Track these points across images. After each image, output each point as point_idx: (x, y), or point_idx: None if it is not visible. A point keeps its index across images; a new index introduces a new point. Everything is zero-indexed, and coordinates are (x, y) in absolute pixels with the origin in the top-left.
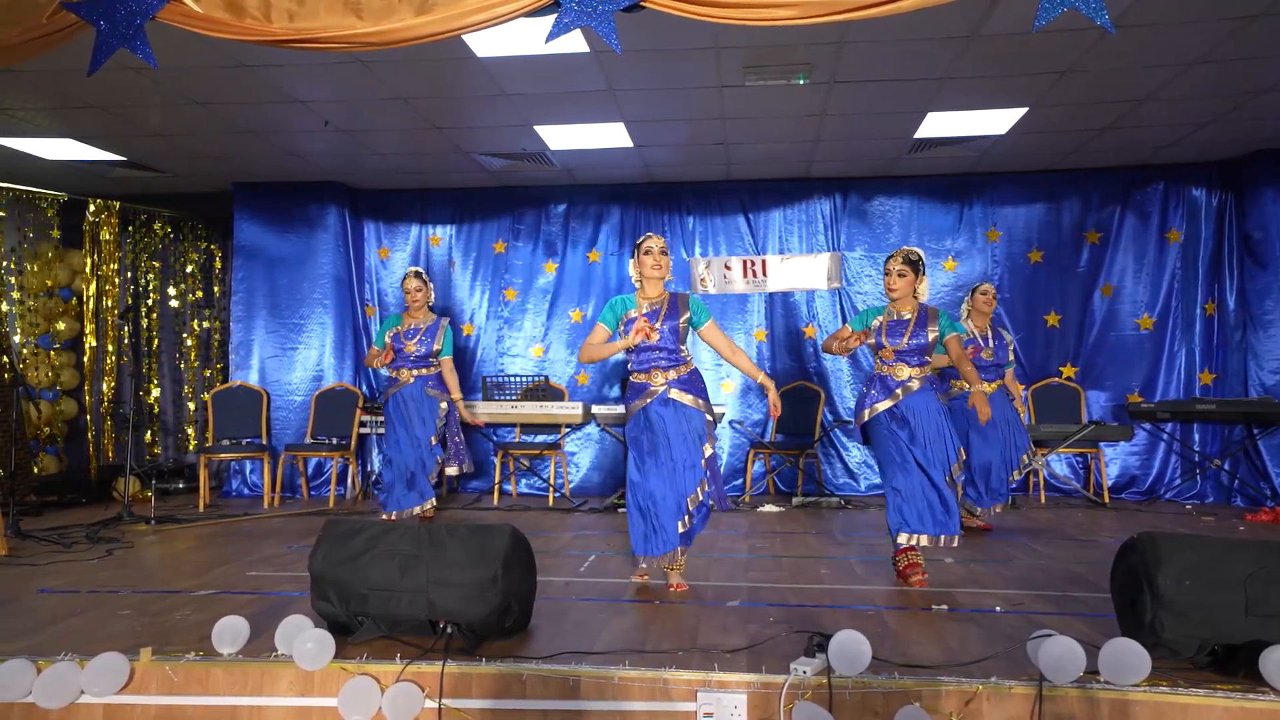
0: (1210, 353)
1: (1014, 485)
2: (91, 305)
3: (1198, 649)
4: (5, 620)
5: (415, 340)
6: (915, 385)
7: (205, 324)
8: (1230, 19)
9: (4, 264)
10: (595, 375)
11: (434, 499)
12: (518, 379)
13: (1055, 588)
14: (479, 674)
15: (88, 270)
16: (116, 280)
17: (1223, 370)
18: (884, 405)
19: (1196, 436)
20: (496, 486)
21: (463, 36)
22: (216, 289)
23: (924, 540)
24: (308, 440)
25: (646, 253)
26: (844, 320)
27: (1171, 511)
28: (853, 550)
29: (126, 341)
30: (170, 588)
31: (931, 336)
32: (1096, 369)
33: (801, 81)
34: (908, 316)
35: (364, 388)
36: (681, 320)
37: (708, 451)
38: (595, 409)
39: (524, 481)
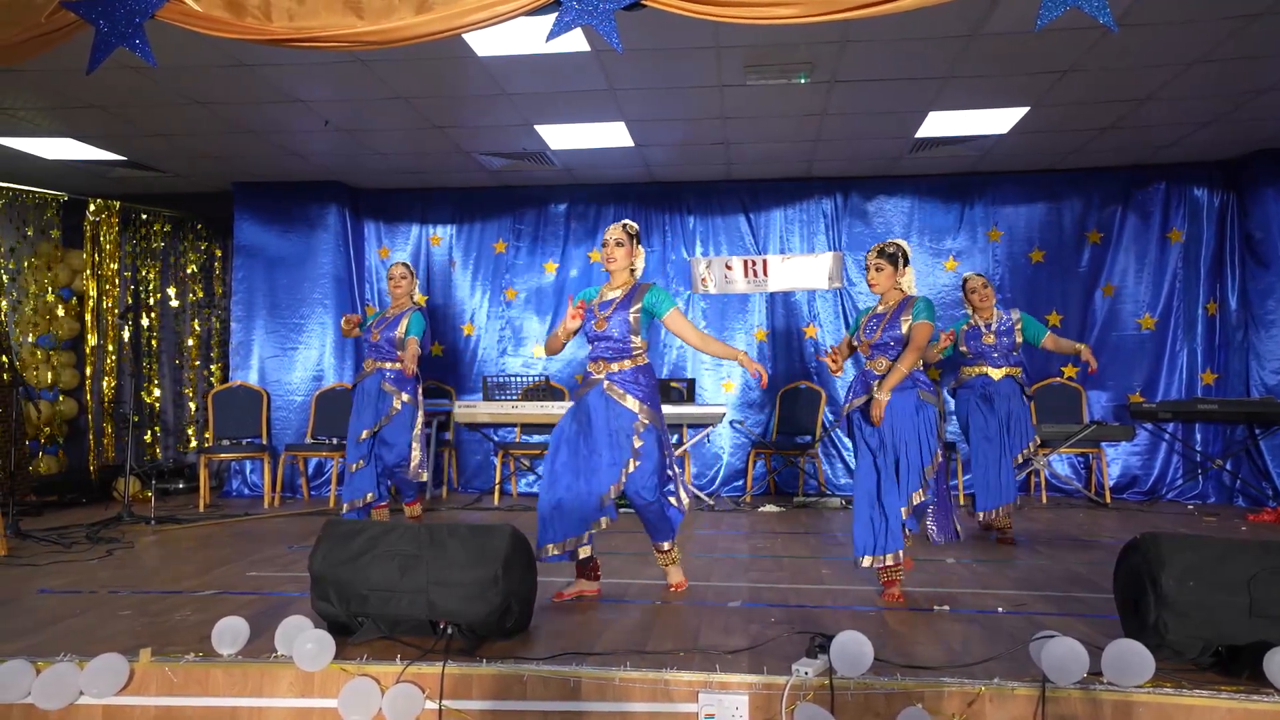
0: (1212, 352)
1: (1017, 483)
2: (92, 305)
3: (1201, 650)
4: (5, 620)
5: (383, 328)
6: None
7: (205, 324)
8: (1231, 18)
9: (4, 264)
10: None
11: (384, 502)
12: (518, 379)
13: (1057, 588)
14: (479, 675)
15: (88, 270)
16: (117, 280)
17: (1224, 370)
18: (859, 401)
19: (1198, 436)
20: (497, 486)
21: (463, 35)
22: (217, 289)
23: (865, 561)
24: (308, 440)
25: (603, 244)
26: (845, 320)
27: (1173, 512)
28: (854, 550)
29: (127, 341)
30: (170, 588)
31: (906, 326)
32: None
33: (802, 81)
34: (888, 309)
35: None
36: (632, 311)
37: (637, 453)
38: None
39: (524, 481)
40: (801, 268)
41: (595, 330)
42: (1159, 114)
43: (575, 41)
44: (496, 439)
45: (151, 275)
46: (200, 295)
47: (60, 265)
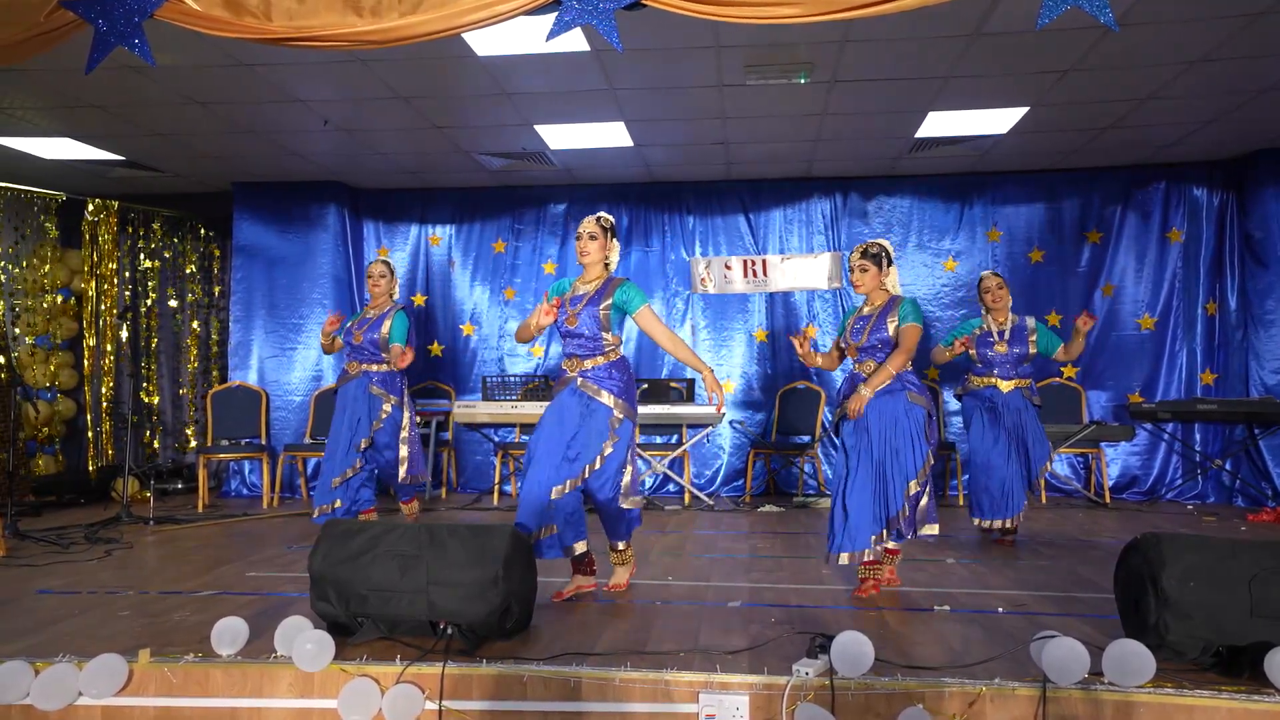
0: (1211, 352)
1: (1024, 495)
2: (90, 305)
3: (1202, 650)
4: (3, 621)
5: (365, 329)
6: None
7: (204, 324)
8: (1232, 17)
9: (2, 264)
10: None
11: (372, 506)
12: (518, 379)
13: (1058, 588)
14: (479, 675)
15: (86, 270)
16: (115, 280)
17: (1224, 370)
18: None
19: (1198, 436)
20: (496, 487)
21: (463, 35)
22: (216, 289)
23: (844, 559)
24: (307, 440)
25: (577, 237)
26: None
27: (1173, 512)
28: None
29: (125, 341)
30: (169, 588)
31: (893, 328)
32: (1097, 369)
33: (803, 80)
34: (874, 311)
35: None
36: (602, 307)
37: (606, 450)
38: None
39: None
40: (801, 268)
41: (566, 326)
42: (1159, 114)
43: (575, 41)
44: (496, 439)
45: (150, 275)
46: (199, 295)
47: (59, 265)
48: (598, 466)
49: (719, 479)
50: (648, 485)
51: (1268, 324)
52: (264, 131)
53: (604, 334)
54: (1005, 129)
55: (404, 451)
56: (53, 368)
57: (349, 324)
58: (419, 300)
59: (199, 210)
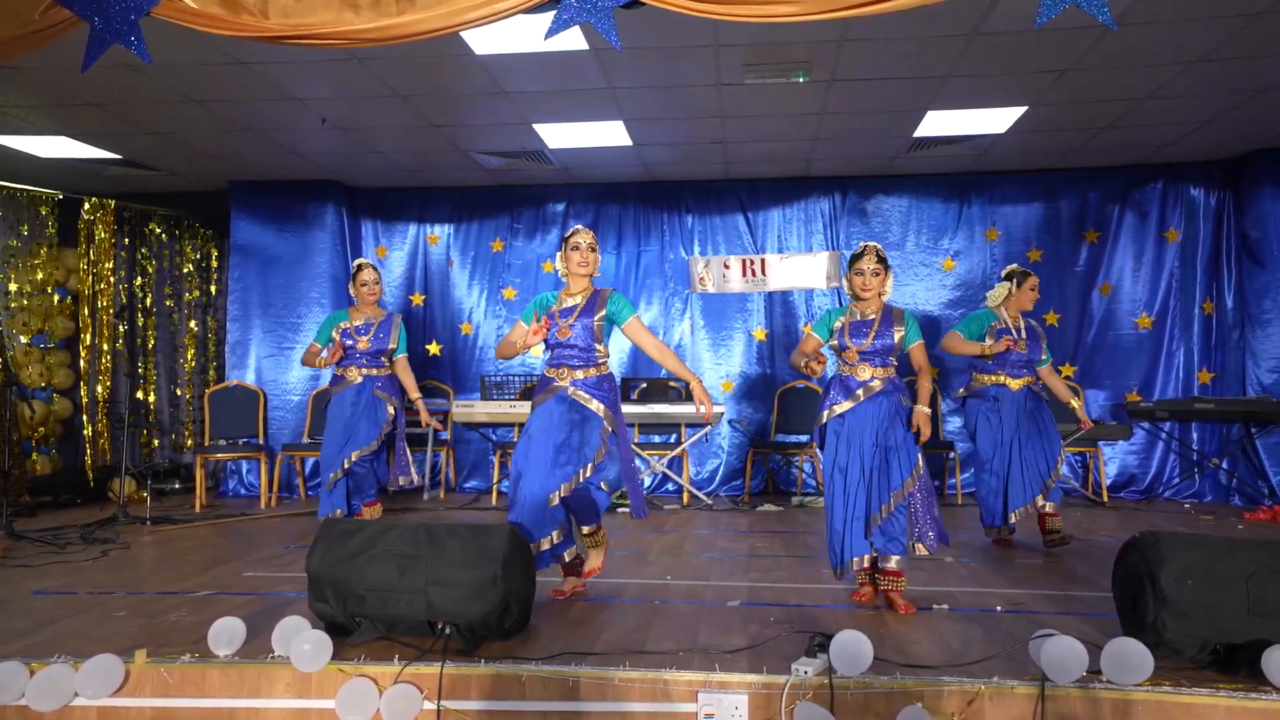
0: (1208, 352)
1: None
2: (87, 304)
3: (1200, 648)
4: None
5: (369, 336)
6: (877, 386)
7: (202, 323)
8: (1231, 17)
9: None
10: None
11: (377, 501)
12: (516, 378)
13: (1056, 587)
14: (478, 675)
15: (83, 269)
16: (112, 279)
17: (1221, 369)
18: (843, 407)
19: (1195, 435)
20: (494, 486)
21: (461, 33)
22: (213, 288)
23: (892, 561)
24: (305, 440)
25: (574, 248)
26: None
27: (1170, 510)
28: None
29: (122, 341)
30: (166, 589)
31: (898, 337)
32: (1095, 368)
33: (801, 80)
34: (872, 316)
35: None
36: (596, 318)
37: (598, 460)
38: None
39: None
40: (799, 267)
41: (558, 339)
42: (1157, 113)
43: (574, 40)
44: (494, 438)
45: (147, 274)
46: (196, 294)
47: (55, 264)
48: (589, 474)
49: (718, 478)
50: (647, 484)
51: (1264, 323)
52: (261, 130)
53: (596, 345)
54: (1003, 128)
55: (398, 451)
56: (49, 367)
57: (335, 332)
58: (417, 300)
59: (196, 209)
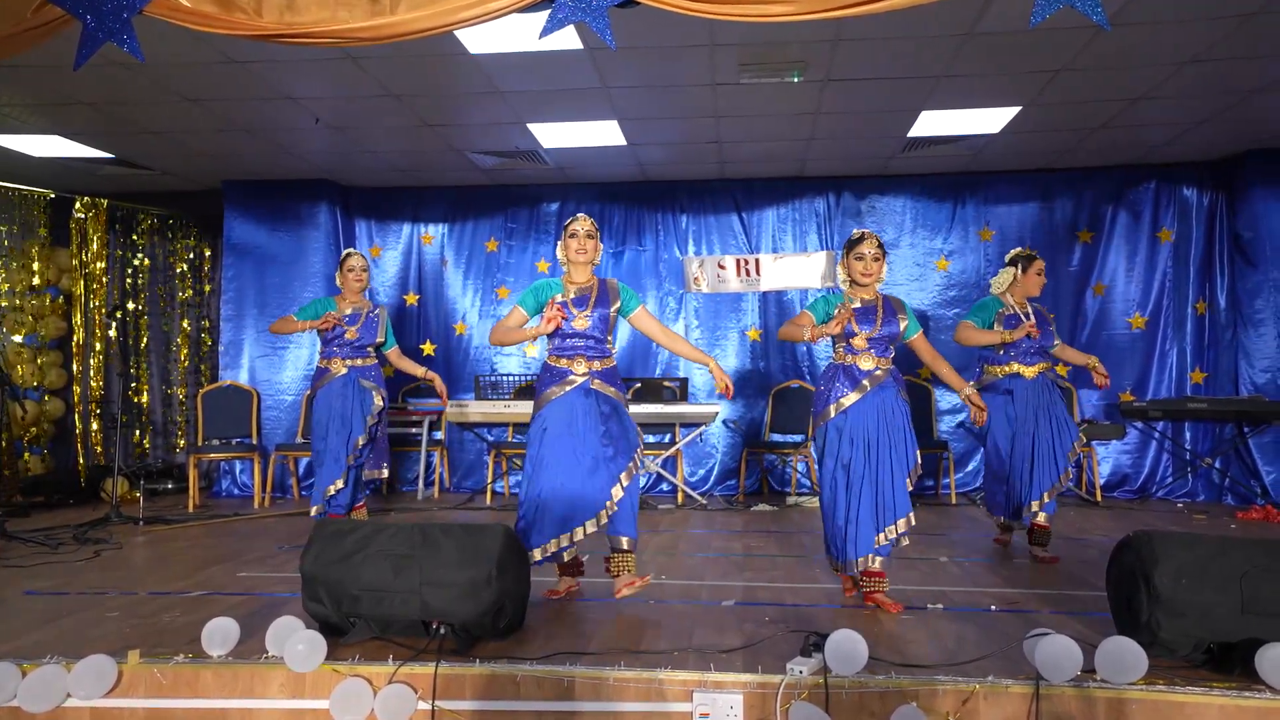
0: (1201, 351)
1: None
2: (79, 304)
3: (1194, 647)
4: None
5: (356, 326)
6: (881, 376)
7: (195, 323)
8: (1225, 18)
9: None
10: None
11: (363, 503)
12: (511, 378)
13: (1051, 586)
14: (472, 675)
15: (75, 269)
16: (104, 279)
17: (1214, 369)
18: (851, 399)
19: (1188, 435)
20: (489, 486)
21: (455, 32)
22: (206, 287)
23: (875, 562)
24: (298, 440)
25: (573, 235)
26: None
27: (1163, 510)
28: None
29: (114, 340)
30: (159, 589)
31: (902, 326)
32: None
33: (796, 79)
34: (873, 303)
35: None
36: (612, 309)
37: (639, 456)
38: None
39: (517, 481)
40: (794, 267)
41: (573, 328)
42: (1151, 114)
43: (568, 39)
44: (489, 438)
45: (140, 274)
46: (189, 294)
47: (47, 264)
48: (639, 462)
49: (712, 478)
50: (641, 484)
51: (1257, 323)
52: (255, 129)
53: (608, 336)
54: (998, 128)
55: (379, 441)
56: (41, 366)
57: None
58: (411, 299)
59: (189, 209)
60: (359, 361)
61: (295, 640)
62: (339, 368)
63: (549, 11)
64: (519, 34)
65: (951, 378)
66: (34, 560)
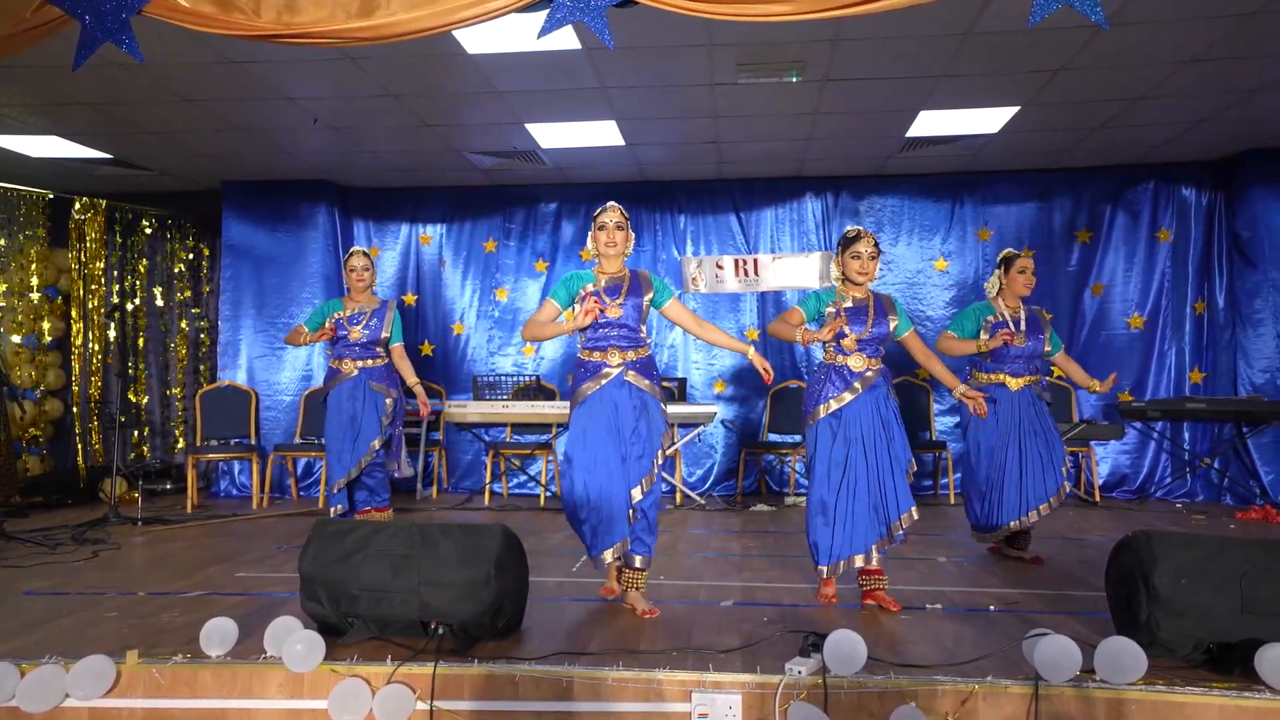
0: (1200, 351)
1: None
2: (78, 304)
3: (1193, 647)
4: None
5: (361, 325)
6: (872, 377)
7: (193, 323)
8: (1224, 17)
9: None
10: None
11: (389, 508)
12: (509, 378)
13: (1050, 586)
14: (471, 675)
15: (74, 269)
16: (103, 279)
17: (1212, 369)
18: (843, 400)
19: (1186, 435)
20: (487, 486)
21: (453, 32)
22: (205, 288)
23: (874, 560)
24: (297, 440)
25: (601, 227)
26: None
27: (1162, 510)
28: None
29: (113, 341)
30: (158, 589)
31: (892, 325)
32: (1087, 368)
33: (794, 79)
34: (865, 301)
35: None
36: (645, 299)
37: (666, 445)
38: None
39: (515, 481)
40: (792, 267)
41: (607, 317)
42: (1151, 113)
43: (566, 39)
44: (487, 439)
45: (138, 274)
46: (188, 295)
47: (46, 264)
48: (660, 462)
49: (711, 478)
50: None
51: (1255, 323)
52: (254, 130)
53: (641, 325)
54: (996, 128)
55: (395, 440)
56: (40, 367)
57: (328, 322)
58: (410, 300)
59: (187, 209)
60: (369, 362)
61: (294, 640)
62: (350, 369)
63: (547, 11)
64: (517, 34)
65: (945, 375)
66: (33, 560)
